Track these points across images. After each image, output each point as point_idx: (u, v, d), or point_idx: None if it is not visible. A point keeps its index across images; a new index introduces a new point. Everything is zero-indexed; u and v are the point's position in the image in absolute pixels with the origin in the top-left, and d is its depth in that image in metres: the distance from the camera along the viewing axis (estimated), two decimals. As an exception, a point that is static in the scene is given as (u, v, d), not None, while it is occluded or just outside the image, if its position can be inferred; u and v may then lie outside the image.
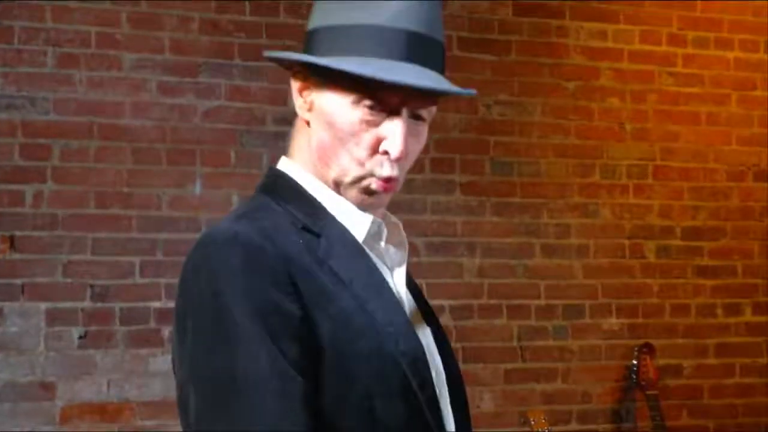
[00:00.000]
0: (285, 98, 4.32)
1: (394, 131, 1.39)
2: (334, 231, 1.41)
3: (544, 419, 3.85)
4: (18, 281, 3.69)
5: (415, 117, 1.41)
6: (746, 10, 4.66)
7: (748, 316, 4.56)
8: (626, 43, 4.51)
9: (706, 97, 4.59)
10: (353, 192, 1.43)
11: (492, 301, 4.22)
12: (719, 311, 4.52)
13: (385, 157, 1.40)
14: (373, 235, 1.46)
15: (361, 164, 1.41)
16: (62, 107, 3.78)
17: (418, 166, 4.10)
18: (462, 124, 4.25)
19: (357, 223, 1.44)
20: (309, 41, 1.44)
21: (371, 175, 1.41)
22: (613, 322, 4.37)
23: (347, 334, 1.32)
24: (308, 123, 1.46)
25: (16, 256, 3.70)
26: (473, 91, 1.46)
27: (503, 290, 4.24)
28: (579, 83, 4.43)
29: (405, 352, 1.36)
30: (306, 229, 1.40)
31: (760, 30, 4.68)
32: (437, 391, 1.41)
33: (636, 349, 4.21)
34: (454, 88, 1.40)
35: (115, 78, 3.85)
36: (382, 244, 1.48)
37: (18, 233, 3.70)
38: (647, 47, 4.53)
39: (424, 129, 1.45)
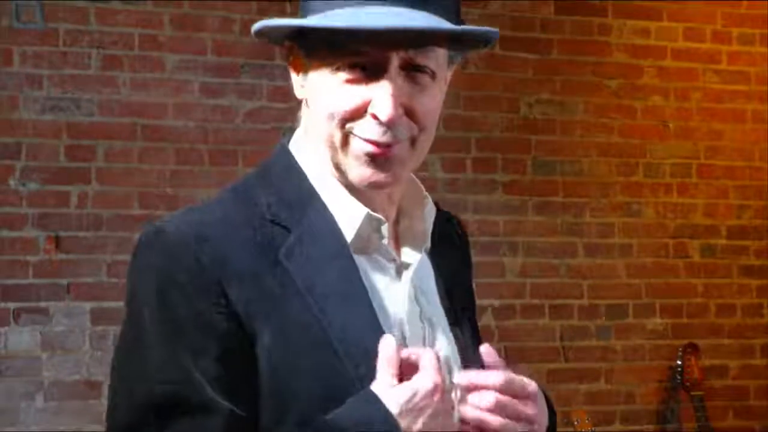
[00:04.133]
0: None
1: (380, 91, 1.19)
2: (314, 225, 1.25)
3: (588, 419, 3.83)
4: (63, 281, 3.73)
5: (415, 68, 1.21)
6: (792, 6, 4.60)
7: (795, 317, 4.50)
8: (670, 41, 4.47)
9: (751, 95, 4.53)
10: (352, 165, 1.24)
11: (534, 301, 4.20)
12: (765, 311, 4.47)
13: (375, 121, 1.20)
14: (369, 232, 1.27)
15: (343, 126, 1.22)
16: (106, 109, 3.82)
17: (459, 166, 4.10)
18: (503, 123, 4.23)
19: (349, 216, 1.26)
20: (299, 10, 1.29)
21: (355, 136, 1.23)
22: (657, 322, 4.33)
23: (289, 350, 1.17)
24: (305, 101, 1.32)
25: (62, 256, 3.74)
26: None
27: (546, 290, 4.22)
28: (622, 81, 4.39)
29: (366, 375, 1.17)
30: (276, 222, 1.23)
31: (807, 26, 4.62)
32: None
33: (680, 349, 4.17)
34: (428, 24, 1.19)
35: (158, 79, 3.88)
36: (385, 241, 1.28)
37: (63, 234, 3.74)
38: (691, 45, 4.49)
39: (431, 82, 1.23)
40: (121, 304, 3.85)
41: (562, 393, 4.19)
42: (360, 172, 1.23)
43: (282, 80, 3.99)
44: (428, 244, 1.34)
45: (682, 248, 4.40)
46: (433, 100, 1.25)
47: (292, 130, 1.37)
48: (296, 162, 1.31)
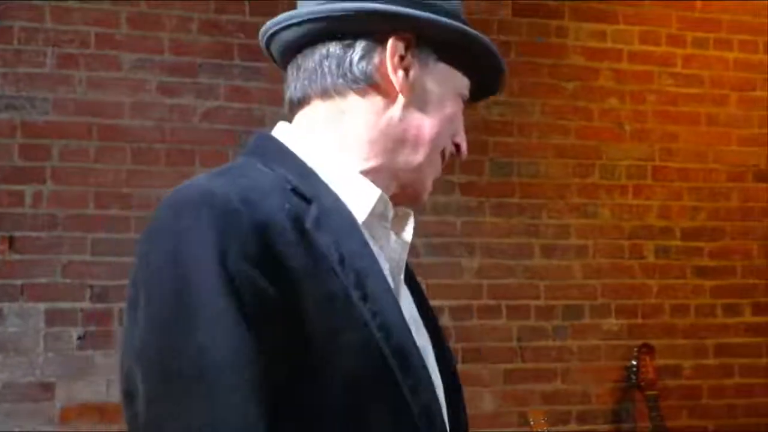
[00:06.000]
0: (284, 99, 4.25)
1: (462, 124, 1.32)
2: (328, 200, 1.21)
3: (544, 419, 3.85)
4: (17, 282, 3.69)
5: None
6: (746, 11, 4.66)
7: (748, 317, 4.55)
8: (625, 44, 4.51)
9: (705, 98, 4.59)
10: (423, 183, 1.34)
11: (491, 302, 4.22)
12: (719, 312, 4.52)
13: (452, 149, 1.34)
14: (378, 215, 1.26)
15: (441, 149, 1.32)
16: (61, 108, 3.78)
17: (417, 167, 4.10)
18: (461, 124, 4.24)
19: (361, 196, 1.24)
20: None
21: (441, 160, 1.33)
22: (612, 322, 4.37)
23: (331, 323, 1.12)
24: (394, 97, 1.27)
25: (16, 256, 3.70)
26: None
27: (503, 291, 4.24)
28: (578, 84, 4.42)
29: (397, 350, 1.16)
30: (296, 192, 1.18)
31: (760, 30, 4.68)
32: (435, 395, 1.21)
33: (635, 349, 4.20)
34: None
35: (114, 78, 3.85)
36: (388, 225, 1.29)
37: (17, 234, 3.70)
38: (647, 48, 4.53)
39: None
40: (75, 304, 3.80)
41: (518, 393, 4.21)
42: (427, 188, 1.34)
43: (240, 80, 3.97)
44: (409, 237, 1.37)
45: (638, 249, 4.44)
46: None
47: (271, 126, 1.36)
48: (286, 146, 1.27)
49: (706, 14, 4.61)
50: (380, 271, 1.20)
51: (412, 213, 1.37)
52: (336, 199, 1.22)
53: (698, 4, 4.61)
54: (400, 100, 1.26)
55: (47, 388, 3.67)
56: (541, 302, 4.28)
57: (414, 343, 1.20)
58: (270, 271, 1.09)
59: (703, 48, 4.60)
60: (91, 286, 3.75)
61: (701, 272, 4.52)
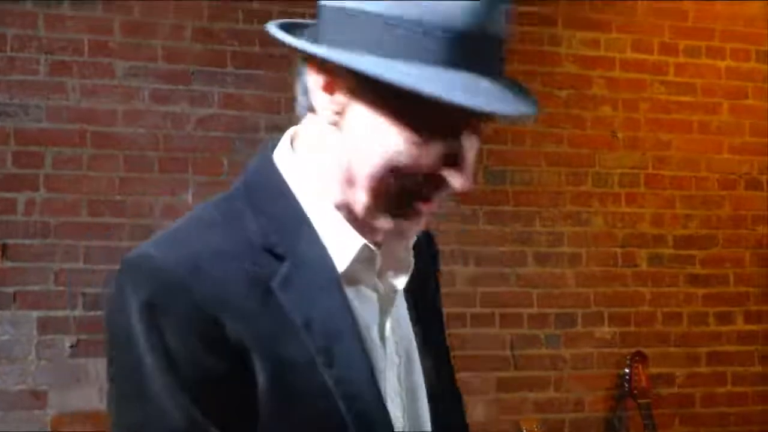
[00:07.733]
0: (278, 106, 4.26)
1: (460, 158, 1.16)
2: (307, 254, 1.16)
3: (537, 428, 3.85)
4: (10, 289, 3.68)
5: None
6: (738, 20, 4.67)
7: (740, 325, 4.56)
8: (618, 52, 4.52)
9: (697, 106, 4.60)
10: (384, 220, 1.17)
11: (485, 310, 4.22)
12: (711, 320, 4.53)
13: (442, 186, 1.17)
14: (363, 262, 1.20)
15: (406, 195, 1.15)
16: (55, 115, 3.78)
17: (410, 175, 4.10)
18: (454, 132, 4.24)
19: (343, 246, 1.18)
20: (323, 20, 1.13)
21: (414, 201, 1.17)
22: (605, 330, 4.37)
23: (288, 392, 1.11)
24: (335, 125, 1.16)
25: (8, 264, 3.69)
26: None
27: (496, 299, 4.24)
28: (571, 92, 4.43)
29: (359, 419, 1.13)
30: (268, 250, 1.14)
31: (752, 39, 4.69)
32: None
33: (628, 357, 4.20)
34: (534, 108, 1.16)
35: (107, 86, 3.84)
36: (374, 272, 1.22)
37: (10, 241, 3.69)
38: (639, 56, 4.54)
39: (478, 143, 1.20)
40: (68, 312, 3.79)
41: (511, 401, 4.20)
42: (394, 223, 1.18)
43: (233, 88, 3.97)
44: (409, 273, 1.28)
45: (630, 257, 4.45)
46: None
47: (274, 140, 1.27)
48: (284, 181, 1.20)
49: (698, 23, 4.63)
50: (354, 330, 1.16)
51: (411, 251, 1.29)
52: (320, 248, 1.17)
53: (691, 12, 4.63)
54: (329, 127, 1.16)
55: (39, 396, 3.66)
56: (534, 310, 4.28)
57: (383, 409, 1.17)
58: (213, 344, 1.09)
59: (695, 56, 4.62)
60: (84, 294, 3.74)
61: (694, 280, 4.52)
